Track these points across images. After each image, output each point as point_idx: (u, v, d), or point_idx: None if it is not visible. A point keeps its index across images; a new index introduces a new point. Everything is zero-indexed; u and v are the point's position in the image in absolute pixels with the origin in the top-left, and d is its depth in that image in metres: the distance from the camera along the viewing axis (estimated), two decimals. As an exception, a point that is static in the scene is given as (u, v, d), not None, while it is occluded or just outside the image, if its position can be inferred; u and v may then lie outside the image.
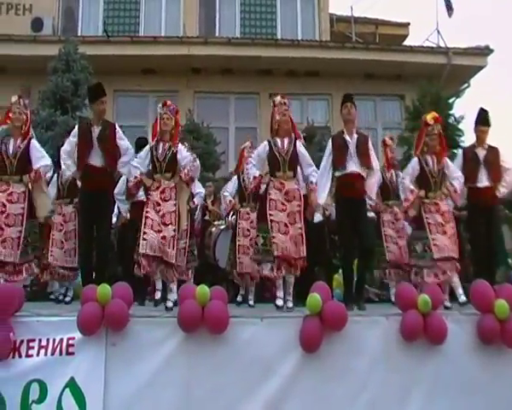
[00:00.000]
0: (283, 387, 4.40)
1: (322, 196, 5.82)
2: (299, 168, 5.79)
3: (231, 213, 7.56)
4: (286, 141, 5.74)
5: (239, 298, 7.14)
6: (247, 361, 4.41)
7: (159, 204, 5.50)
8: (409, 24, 16.56)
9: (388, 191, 7.06)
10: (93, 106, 5.90)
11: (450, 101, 12.23)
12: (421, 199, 6.01)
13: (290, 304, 5.46)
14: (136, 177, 5.68)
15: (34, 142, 5.89)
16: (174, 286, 5.54)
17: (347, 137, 5.82)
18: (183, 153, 5.80)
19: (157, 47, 12.05)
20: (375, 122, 13.39)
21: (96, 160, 5.72)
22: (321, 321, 4.42)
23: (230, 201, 7.21)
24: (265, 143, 5.88)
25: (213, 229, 8.16)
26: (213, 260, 7.88)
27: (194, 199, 7.27)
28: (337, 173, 5.79)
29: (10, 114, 5.78)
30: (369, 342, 4.59)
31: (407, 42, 15.66)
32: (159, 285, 5.72)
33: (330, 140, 6.04)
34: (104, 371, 4.26)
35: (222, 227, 8.00)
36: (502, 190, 6.40)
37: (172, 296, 5.40)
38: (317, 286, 4.65)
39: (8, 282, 5.37)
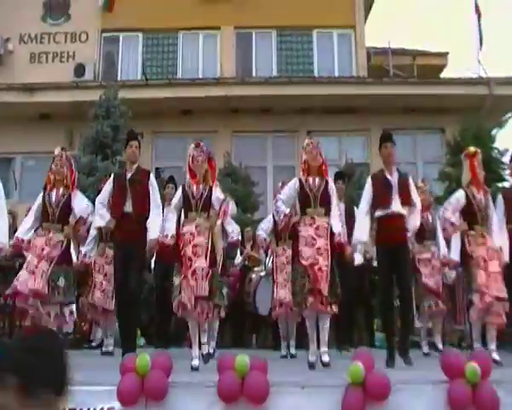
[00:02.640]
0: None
1: (363, 235, 5.72)
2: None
3: (270, 256, 7.50)
4: (317, 179, 5.62)
5: (283, 352, 6.98)
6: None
7: (193, 236, 5.37)
8: (447, 53, 16.39)
9: (423, 232, 6.87)
10: (125, 151, 6.06)
11: (493, 133, 11.95)
12: (466, 232, 5.87)
13: (326, 358, 5.25)
14: (172, 236, 5.59)
15: (77, 191, 5.98)
16: (214, 331, 5.81)
17: (389, 176, 5.66)
18: (218, 193, 5.74)
19: (195, 89, 12.25)
20: (415, 157, 13.18)
21: (129, 207, 5.70)
22: (363, 391, 4.28)
23: (265, 239, 7.11)
24: (296, 179, 5.77)
25: (253, 275, 8.12)
26: (253, 308, 7.83)
27: (232, 235, 7.07)
28: (378, 213, 5.65)
29: (53, 167, 5.90)
30: (415, 412, 4.42)
31: (446, 71, 15.51)
32: (195, 340, 5.52)
33: (370, 178, 5.89)
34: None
35: (262, 274, 7.95)
36: None
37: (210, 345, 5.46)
38: (360, 354, 4.51)
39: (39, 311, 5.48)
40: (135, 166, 5.90)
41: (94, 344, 8.07)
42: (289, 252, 6.43)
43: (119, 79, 13.26)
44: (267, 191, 12.21)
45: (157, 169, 12.32)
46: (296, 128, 12.86)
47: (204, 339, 5.65)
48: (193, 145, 5.90)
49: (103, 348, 7.22)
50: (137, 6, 13.67)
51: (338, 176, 7.67)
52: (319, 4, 13.73)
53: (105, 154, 10.44)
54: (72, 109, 11.54)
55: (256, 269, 8.25)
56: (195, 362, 5.43)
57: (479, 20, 13.79)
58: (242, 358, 4.33)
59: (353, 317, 7.68)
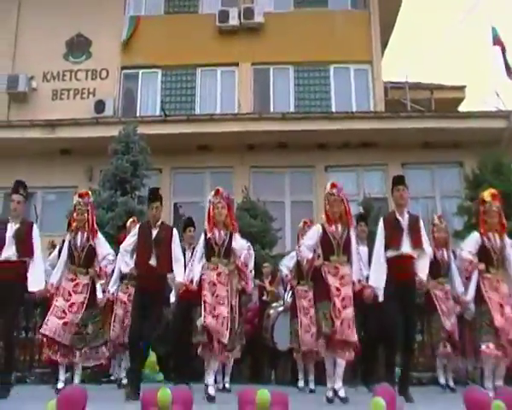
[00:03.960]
0: None
1: (381, 278, 5.71)
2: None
3: (288, 292, 7.45)
4: (339, 226, 5.65)
5: (300, 384, 6.95)
6: None
7: (214, 284, 5.68)
8: (465, 87, 16.45)
9: (439, 268, 6.85)
10: (148, 209, 6.22)
11: (512, 167, 11.84)
12: (482, 274, 5.89)
13: (342, 393, 5.25)
14: (197, 282, 5.83)
15: (99, 237, 6.19)
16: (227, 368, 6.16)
17: (399, 217, 5.79)
18: (239, 240, 5.98)
19: (213, 124, 12.35)
20: (433, 191, 13.08)
21: (153, 261, 5.88)
22: (386, 428, 4.17)
23: (287, 275, 7.17)
24: (319, 226, 5.82)
25: (271, 311, 8.06)
26: (271, 343, 7.75)
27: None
28: (389, 254, 5.73)
29: (74, 215, 6.16)
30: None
31: (464, 105, 15.51)
32: (211, 379, 5.67)
33: (381, 220, 5.97)
34: None
35: (280, 309, 7.88)
36: None
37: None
38: (382, 389, 4.41)
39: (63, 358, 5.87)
40: (158, 223, 6.05)
41: (112, 378, 8.02)
42: (311, 294, 6.46)
43: (138, 115, 13.45)
44: (285, 226, 12.19)
45: (175, 204, 12.38)
46: (313, 163, 12.88)
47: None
48: (212, 193, 6.09)
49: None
50: (156, 43, 13.97)
51: (360, 218, 7.68)
52: (336, 39, 13.92)
53: (124, 189, 10.52)
54: (92, 145, 11.71)
55: (274, 304, 8.17)
56: (211, 391, 5.46)
57: (503, 53, 13.77)
58: (264, 392, 4.25)
59: (376, 353, 7.54)
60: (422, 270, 5.83)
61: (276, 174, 13.01)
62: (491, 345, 5.67)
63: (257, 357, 7.72)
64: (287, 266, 7.22)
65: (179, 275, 5.92)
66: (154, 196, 6.11)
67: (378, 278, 5.74)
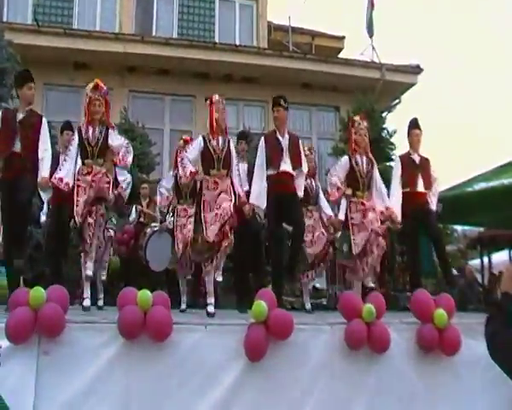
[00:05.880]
0: (227, 396, 4.23)
1: (260, 198, 5.85)
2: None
3: (169, 213, 7.32)
4: (220, 139, 5.63)
5: (183, 306, 6.81)
6: (190, 370, 4.21)
7: (91, 186, 5.33)
8: (344, 37, 16.94)
9: (308, 197, 6.91)
10: (20, 91, 5.66)
11: (383, 115, 12.53)
12: (348, 197, 6.15)
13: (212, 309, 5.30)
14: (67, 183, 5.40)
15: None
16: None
17: (279, 136, 5.92)
18: (116, 137, 5.72)
19: (91, 42, 11.62)
20: (311, 132, 13.50)
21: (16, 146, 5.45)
22: (266, 329, 4.30)
23: (168, 197, 6.99)
24: (200, 138, 5.73)
25: (148, 230, 7.87)
26: (144, 261, 7.56)
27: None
28: (269, 172, 5.85)
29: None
30: (314, 351, 4.52)
31: (342, 55, 15.97)
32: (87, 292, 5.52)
33: (263, 138, 6.09)
34: (35, 383, 3.90)
35: (155, 228, 7.73)
36: (433, 200, 6.64)
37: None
38: (263, 293, 4.53)
39: None
40: (28, 107, 5.62)
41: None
42: (191, 212, 6.40)
43: (5, 20, 12.18)
44: (163, 153, 11.97)
45: (48, 123, 11.56)
46: (194, 93, 12.67)
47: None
48: (91, 86, 5.68)
49: None
50: None
51: (240, 136, 7.68)
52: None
53: (-12, 98, 9.58)
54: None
55: (153, 225, 8.02)
56: (87, 302, 5.31)
57: (371, 10, 14.28)
58: (145, 292, 4.20)
59: (248, 281, 7.67)
60: (300, 188, 6.05)
61: (156, 100, 12.63)
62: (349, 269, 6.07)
63: (133, 278, 7.49)
64: (166, 187, 7.05)
65: (44, 170, 5.44)
66: (30, 75, 5.70)
67: (258, 198, 5.84)
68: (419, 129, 6.85)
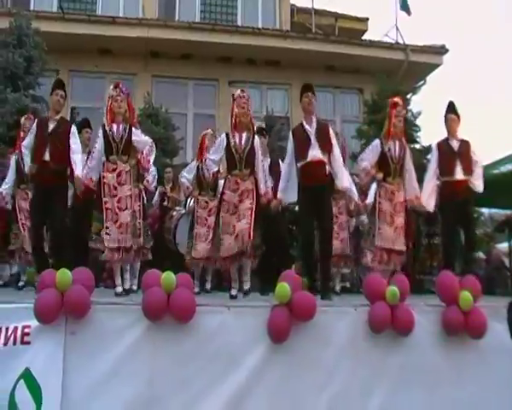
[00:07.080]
0: (249, 378, 4.29)
1: (287, 193, 5.92)
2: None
3: (190, 199, 7.39)
4: (244, 136, 5.69)
5: (196, 289, 6.93)
6: (213, 351, 4.28)
7: (115, 188, 5.46)
8: (368, 19, 16.70)
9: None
10: (50, 98, 5.89)
11: (408, 97, 12.35)
12: (379, 182, 6.05)
13: (248, 286, 5.65)
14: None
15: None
16: (135, 271, 6.00)
17: (307, 126, 5.77)
18: (140, 135, 5.86)
19: (115, 27, 11.63)
20: (334, 114, 13.38)
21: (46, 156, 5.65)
22: (289, 311, 4.33)
23: (188, 187, 7.06)
24: (223, 136, 5.82)
25: (174, 213, 7.92)
26: (173, 245, 7.64)
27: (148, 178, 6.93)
28: (299, 164, 5.76)
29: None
30: (337, 333, 4.54)
31: (365, 37, 15.75)
32: (119, 280, 5.61)
33: (290, 133, 6.03)
34: (63, 362, 4.02)
35: (183, 212, 7.78)
36: (477, 184, 6.43)
37: (133, 283, 5.71)
38: (286, 275, 4.55)
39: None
40: (58, 116, 5.80)
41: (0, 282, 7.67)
42: (211, 205, 6.57)
43: (32, 8, 12.30)
44: (187, 138, 11.99)
45: (72, 109, 11.69)
46: (217, 77, 12.65)
47: (126, 276, 5.84)
48: (112, 86, 5.89)
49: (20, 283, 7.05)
50: None
51: (259, 132, 7.65)
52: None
53: (16, 85, 9.69)
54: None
55: (177, 208, 8.06)
56: (119, 289, 5.42)
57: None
58: (169, 274, 4.25)
59: (272, 264, 7.70)
60: (340, 176, 5.83)
61: (179, 85, 12.60)
62: (370, 255, 5.94)
63: (158, 260, 7.56)
64: (187, 178, 7.10)
65: (77, 169, 5.62)
66: (61, 83, 5.87)
67: (287, 192, 5.87)
68: (454, 113, 6.56)
